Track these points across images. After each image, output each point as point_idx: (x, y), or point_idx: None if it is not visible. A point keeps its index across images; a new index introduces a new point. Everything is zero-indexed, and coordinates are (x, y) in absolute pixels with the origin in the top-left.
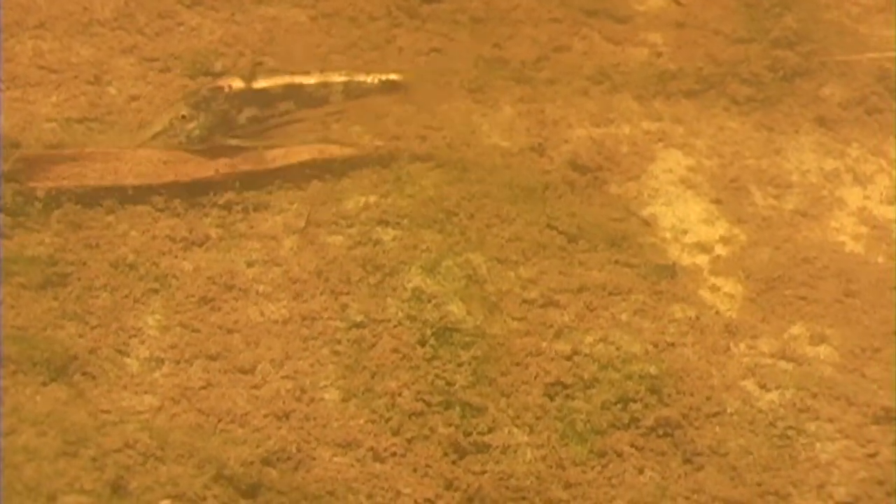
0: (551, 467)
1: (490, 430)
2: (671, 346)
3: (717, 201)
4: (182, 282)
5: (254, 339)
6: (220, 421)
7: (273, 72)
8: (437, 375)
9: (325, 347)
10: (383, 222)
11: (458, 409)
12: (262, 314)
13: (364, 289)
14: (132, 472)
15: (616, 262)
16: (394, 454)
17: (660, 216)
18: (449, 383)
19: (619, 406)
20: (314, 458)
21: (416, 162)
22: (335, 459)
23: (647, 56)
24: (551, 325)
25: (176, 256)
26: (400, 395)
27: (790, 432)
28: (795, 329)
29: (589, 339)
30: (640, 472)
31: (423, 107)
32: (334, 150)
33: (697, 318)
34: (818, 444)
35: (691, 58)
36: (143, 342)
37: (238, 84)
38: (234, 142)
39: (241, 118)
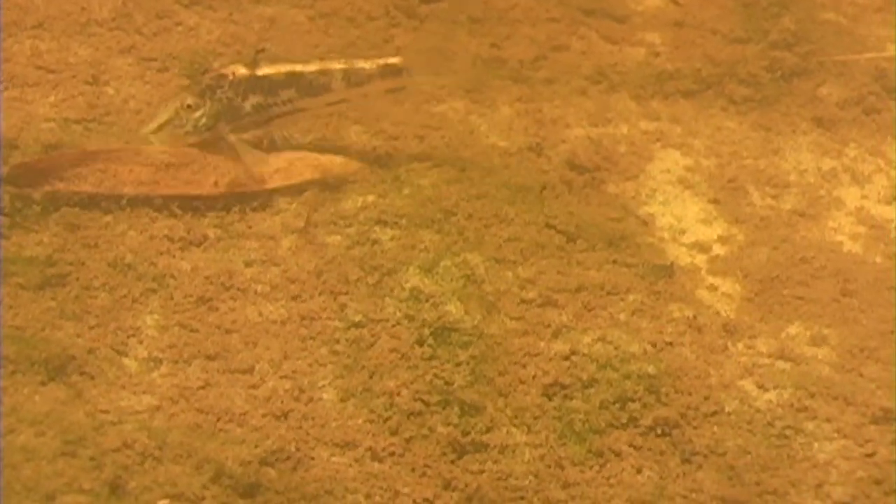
0: (549, 467)
1: (488, 430)
2: (669, 345)
3: (715, 201)
4: (180, 282)
5: (252, 339)
6: (218, 421)
7: (275, 59)
8: (435, 375)
9: (323, 347)
10: (381, 222)
11: (456, 408)
12: (260, 314)
13: (362, 288)
14: (130, 471)
15: (614, 261)
16: (392, 454)
17: (658, 216)
18: (447, 383)
19: (617, 406)
20: (312, 458)
21: (415, 162)
22: (333, 459)
23: (645, 56)
24: (549, 325)
25: (174, 256)
26: (398, 394)
27: (788, 432)
28: (793, 329)
29: (587, 338)
30: (639, 471)
31: (423, 88)
32: (335, 167)
33: (695, 317)
34: (816, 444)
35: (689, 58)
36: (141, 342)
37: (242, 71)
38: (236, 137)
39: (247, 106)
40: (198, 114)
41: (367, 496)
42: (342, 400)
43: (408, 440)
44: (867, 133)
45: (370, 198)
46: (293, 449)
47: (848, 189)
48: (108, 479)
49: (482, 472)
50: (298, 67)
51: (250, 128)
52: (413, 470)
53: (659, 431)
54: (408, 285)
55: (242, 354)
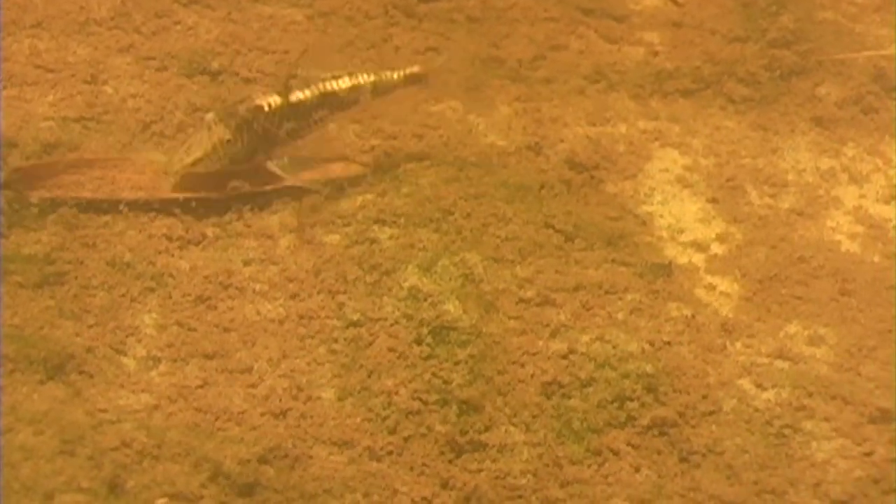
0: (548, 466)
1: (486, 429)
2: (667, 344)
3: (714, 200)
4: (179, 280)
5: (250, 338)
6: (216, 419)
7: (306, 81)
8: (433, 374)
9: (321, 346)
10: (380, 221)
11: (454, 407)
12: (258, 313)
13: (361, 287)
14: (129, 470)
15: (612, 260)
16: (390, 453)
17: (656, 215)
18: (445, 382)
19: (615, 405)
20: (311, 457)
21: (413, 161)
22: (332, 458)
23: (644, 55)
24: (548, 324)
25: (172, 255)
26: (396, 393)
27: (786, 431)
28: (791, 328)
29: (585, 337)
30: (637, 470)
31: (445, 95)
32: (336, 170)
33: (694, 316)
34: (814, 443)
35: (688, 57)
36: (139, 341)
37: (276, 100)
38: (274, 168)
39: (282, 133)
40: (236, 147)
41: (365, 495)
42: (340, 399)
43: (406, 439)
44: (865, 132)
45: (368, 197)
46: (291, 447)
47: (846, 188)
48: (107, 478)
49: (480, 470)
50: (330, 86)
51: (284, 152)
52: (411, 469)
53: (657, 430)
54: (406, 284)
55: (241, 353)
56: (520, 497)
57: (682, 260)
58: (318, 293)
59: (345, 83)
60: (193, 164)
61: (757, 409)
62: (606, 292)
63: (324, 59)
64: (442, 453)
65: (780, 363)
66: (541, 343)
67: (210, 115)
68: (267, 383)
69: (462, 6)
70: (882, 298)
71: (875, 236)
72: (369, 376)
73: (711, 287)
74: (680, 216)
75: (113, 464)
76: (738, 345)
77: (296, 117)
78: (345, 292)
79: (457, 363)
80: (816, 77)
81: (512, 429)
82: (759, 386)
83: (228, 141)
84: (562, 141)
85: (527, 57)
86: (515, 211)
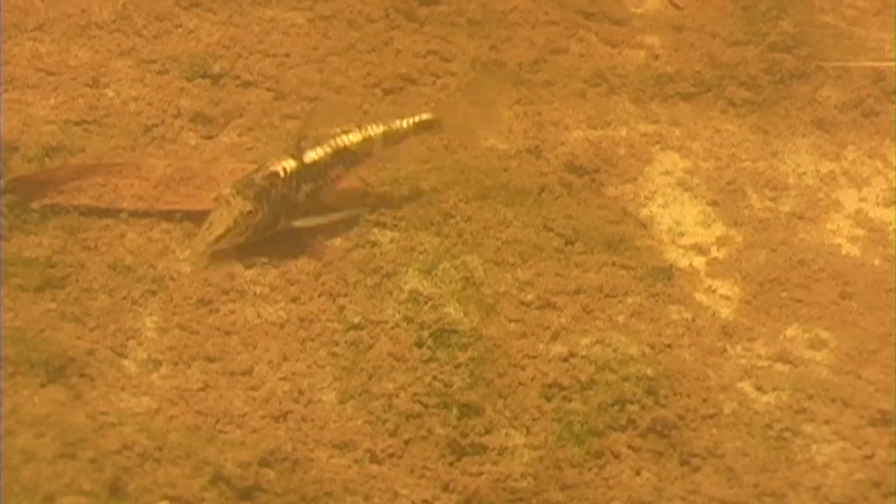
0: (548, 468)
1: (487, 432)
2: (668, 347)
3: (714, 203)
4: (180, 283)
5: (251, 341)
6: (217, 422)
7: (317, 139)
8: (434, 377)
9: (322, 349)
10: (380, 224)
11: (455, 410)
12: (259, 316)
13: (361, 290)
14: (130, 473)
15: (613, 264)
16: (391, 455)
17: (656, 218)
18: (446, 385)
19: (615, 408)
20: (311, 460)
21: (413, 164)
22: (332, 461)
23: (644, 58)
24: (548, 327)
25: (174, 258)
26: (397, 396)
27: (787, 434)
28: (792, 331)
29: (586, 340)
30: (637, 473)
31: (456, 140)
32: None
33: (694, 320)
34: (814, 446)
35: (688, 60)
36: (140, 344)
37: (291, 164)
38: (301, 224)
39: (301, 196)
40: (258, 218)
41: (366, 498)
42: (341, 401)
43: (407, 442)
44: (866, 136)
45: (369, 199)
46: (292, 450)
47: (846, 192)
48: (108, 481)
49: (481, 473)
50: (342, 142)
51: (306, 212)
52: (412, 471)
53: (657, 433)
54: (407, 287)
55: (242, 356)
56: (520, 500)
57: (683, 263)
58: (319, 296)
59: (356, 137)
60: (217, 241)
61: (757, 412)
62: (607, 295)
63: (331, 115)
64: (442, 456)
65: (780, 366)
66: (541, 346)
67: (228, 190)
68: (268, 386)
69: (463, 9)
70: (882, 302)
71: (875, 240)
72: (370, 379)
73: (712, 290)
74: (680, 219)
75: (114, 467)
76: (739, 348)
77: (312, 178)
78: (345, 295)
79: (457, 366)
80: (816, 80)
81: (512, 431)
82: (759, 389)
83: (249, 212)
84: (562, 144)
85: (527, 60)
86: (516, 214)
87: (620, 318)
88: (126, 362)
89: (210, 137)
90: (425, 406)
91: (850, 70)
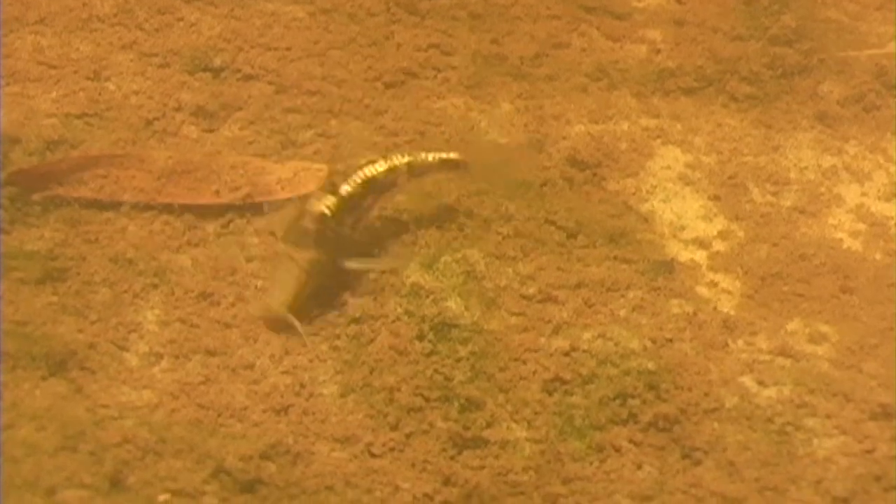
0: (550, 462)
1: (488, 426)
2: (669, 341)
3: (716, 198)
4: (181, 277)
5: (252, 335)
6: (218, 416)
7: (344, 173)
8: (435, 371)
9: (323, 343)
10: (382, 218)
11: (456, 404)
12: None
13: (363, 284)
14: (131, 466)
15: (614, 258)
16: (392, 449)
17: (658, 212)
18: (447, 378)
19: (617, 402)
20: (312, 453)
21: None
22: (333, 454)
23: (646, 53)
24: (549, 321)
25: (175, 251)
26: (398, 390)
27: (788, 428)
28: (793, 325)
29: (587, 334)
30: (639, 467)
31: (482, 183)
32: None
33: (695, 314)
34: (816, 440)
35: (690, 55)
36: (142, 337)
37: (331, 200)
38: (353, 266)
39: (345, 229)
40: (322, 262)
41: (367, 491)
42: (342, 395)
43: (408, 435)
44: (867, 130)
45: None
46: (293, 443)
47: (848, 186)
48: (109, 474)
49: (482, 467)
50: (369, 172)
51: (353, 246)
52: (413, 465)
53: (659, 427)
54: (408, 281)
55: (243, 350)
56: (521, 493)
57: (684, 257)
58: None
59: (381, 166)
60: (295, 299)
61: (758, 406)
62: (608, 289)
63: (355, 147)
64: (444, 450)
65: (781, 360)
66: (542, 340)
67: (280, 247)
68: (269, 380)
69: (464, 3)
70: (883, 296)
71: (877, 234)
72: (371, 373)
73: (713, 284)
74: (682, 213)
75: (115, 460)
76: (740, 342)
77: (351, 210)
78: (347, 289)
79: (458, 360)
80: (818, 75)
81: (514, 425)
82: (760, 383)
83: (315, 260)
84: (564, 138)
85: (529, 54)
86: (517, 208)
87: (622, 312)
88: (127, 355)
89: (211, 131)
90: (427, 400)
91: (852, 65)
